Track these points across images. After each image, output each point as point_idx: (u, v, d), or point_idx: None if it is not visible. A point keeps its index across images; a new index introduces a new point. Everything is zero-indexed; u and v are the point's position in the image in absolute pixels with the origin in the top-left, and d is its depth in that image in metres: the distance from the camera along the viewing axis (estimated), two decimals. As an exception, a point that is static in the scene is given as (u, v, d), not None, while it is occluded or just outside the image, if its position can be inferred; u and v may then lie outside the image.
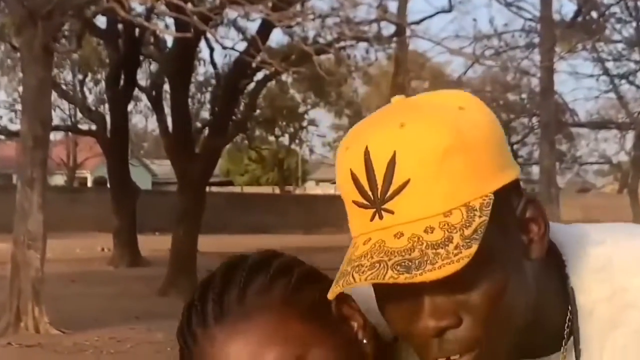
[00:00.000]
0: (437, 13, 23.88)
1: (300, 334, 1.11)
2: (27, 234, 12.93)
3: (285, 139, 43.40)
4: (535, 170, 32.86)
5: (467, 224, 1.01)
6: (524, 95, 29.98)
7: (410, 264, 0.98)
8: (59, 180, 49.80)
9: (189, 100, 22.71)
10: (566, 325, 1.18)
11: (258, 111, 27.10)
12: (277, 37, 20.11)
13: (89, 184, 50.90)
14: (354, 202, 1.07)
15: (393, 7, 21.37)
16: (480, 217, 1.01)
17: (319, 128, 41.03)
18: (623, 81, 27.44)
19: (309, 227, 40.52)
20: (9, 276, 13.04)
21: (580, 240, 1.20)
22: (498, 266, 1.05)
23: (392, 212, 1.03)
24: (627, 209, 25.93)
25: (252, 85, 21.95)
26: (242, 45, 20.35)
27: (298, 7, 16.80)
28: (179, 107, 20.30)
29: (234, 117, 21.48)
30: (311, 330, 1.13)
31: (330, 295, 1.05)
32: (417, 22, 22.69)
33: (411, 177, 1.02)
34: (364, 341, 1.19)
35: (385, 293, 1.09)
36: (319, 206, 43.14)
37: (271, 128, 38.13)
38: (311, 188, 56.51)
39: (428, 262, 0.98)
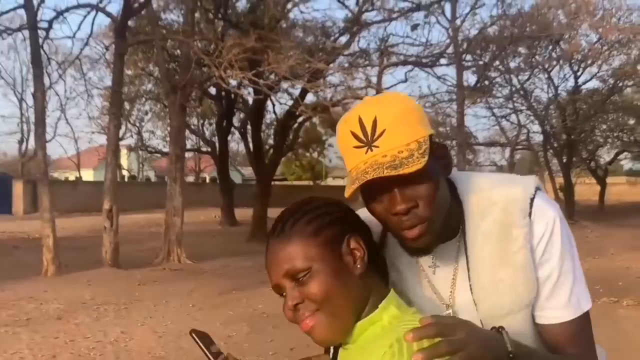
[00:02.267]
0: (398, 83, 23.89)
1: (312, 255, 1.08)
2: (173, 208, 13.02)
3: (315, 154, 43.22)
4: (454, 170, 32.64)
5: (419, 148, 1.10)
6: (448, 128, 29.74)
7: (395, 165, 1.07)
8: (190, 179, 49.93)
9: (261, 133, 22.74)
10: (460, 220, 1.24)
11: (300, 139, 27.16)
12: (309, 97, 20.17)
13: (207, 180, 51.00)
14: (354, 147, 1.13)
15: (374, 79, 21.30)
16: (425, 145, 1.11)
17: (334, 148, 40.74)
18: (503, 120, 27.38)
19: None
20: (163, 232, 13.16)
21: (461, 176, 1.28)
22: (434, 174, 1.14)
23: (378, 147, 1.11)
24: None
25: (296, 125, 21.97)
26: (290, 102, 20.36)
27: (321, 81, 16.76)
28: (255, 137, 20.36)
29: (286, 143, 21.52)
30: (322, 254, 1.09)
31: (348, 193, 1.12)
32: (387, 88, 22.65)
33: (386, 128, 1.11)
34: (358, 266, 1.11)
35: (372, 197, 1.14)
36: (334, 192, 42.88)
37: (307, 148, 38.08)
38: (330, 182, 56.28)
39: (404, 164, 1.07)
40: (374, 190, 1.13)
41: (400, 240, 1.18)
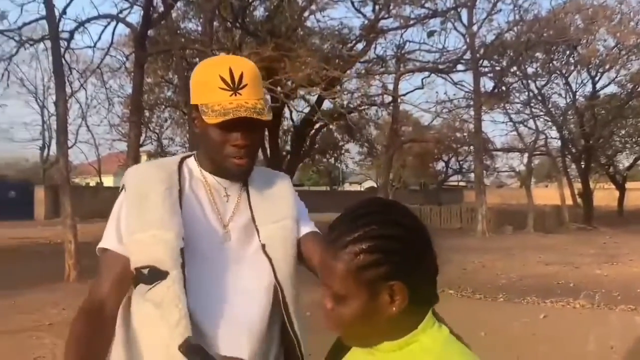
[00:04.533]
0: (415, 89, 23.83)
1: (351, 288, 1.04)
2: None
3: (332, 160, 43.24)
4: (472, 175, 32.54)
5: (266, 104, 1.51)
6: (465, 134, 29.66)
7: (259, 112, 1.45)
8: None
9: (279, 139, 22.83)
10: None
11: (317, 145, 27.17)
12: (327, 104, 20.16)
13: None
14: (220, 88, 1.46)
15: (391, 86, 21.34)
16: (268, 103, 1.53)
17: (350, 154, 40.72)
18: (521, 125, 27.25)
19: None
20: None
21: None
22: (266, 127, 1.60)
23: (241, 95, 1.47)
24: (524, 197, 25.65)
25: (313, 131, 22.05)
26: (307, 109, 20.42)
27: (338, 88, 16.81)
28: (272, 143, 20.45)
29: (303, 149, 21.59)
30: (359, 292, 1.04)
31: (218, 120, 1.43)
32: (404, 95, 22.69)
33: (248, 83, 1.48)
34: (394, 309, 1.05)
35: (224, 128, 1.47)
36: (351, 197, 42.64)
37: (324, 154, 38.12)
38: (347, 187, 56.31)
39: (263, 113, 1.47)
40: (228, 124, 1.45)
41: (225, 167, 1.54)
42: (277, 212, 1.62)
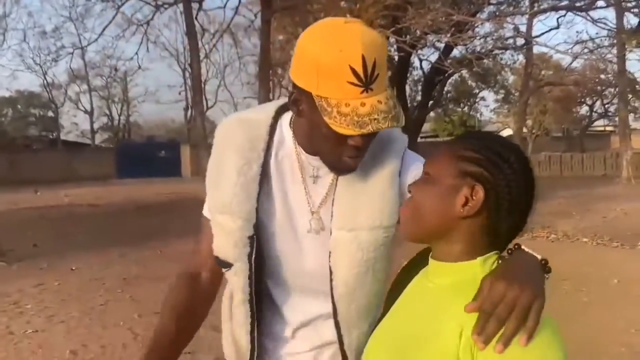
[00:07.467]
0: (550, 30, 22.54)
1: (441, 170, 1.06)
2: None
3: (466, 109, 42.05)
4: (616, 118, 30.49)
5: (394, 96, 1.21)
6: (610, 75, 27.74)
7: (396, 118, 1.18)
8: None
9: (409, 89, 22.52)
10: None
11: (450, 94, 26.53)
12: (458, 50, 19.38)
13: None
14: (349, 82, 1.14)
15: (523, 27, 20.27)
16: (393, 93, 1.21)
17: (486, 101, 39.53)
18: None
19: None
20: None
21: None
22: None
23: (372, 89, 1.15)
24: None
25: (441, 79, 21.50)
26: (435, 56, 19.86)
27: (469, 33, 16.13)
28: (400, 92, 20.16)
29: (432, 99, 21.09)
30: (446, 176, 1.05)
31: (356, 132, 1.15)
32: (538, 36, 21.53)
33: (379, 72, 1.15)
34: (461, 209, 1.03)
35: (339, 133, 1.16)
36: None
37: (458, 103, 37.20)
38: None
39: (399, 117, 1.19)
40: None
41: (333, 163, 1.28)
42: (358, 217, 1.32)
